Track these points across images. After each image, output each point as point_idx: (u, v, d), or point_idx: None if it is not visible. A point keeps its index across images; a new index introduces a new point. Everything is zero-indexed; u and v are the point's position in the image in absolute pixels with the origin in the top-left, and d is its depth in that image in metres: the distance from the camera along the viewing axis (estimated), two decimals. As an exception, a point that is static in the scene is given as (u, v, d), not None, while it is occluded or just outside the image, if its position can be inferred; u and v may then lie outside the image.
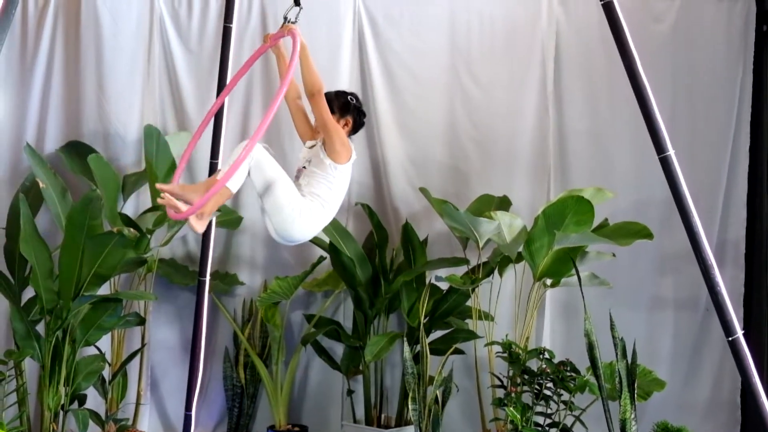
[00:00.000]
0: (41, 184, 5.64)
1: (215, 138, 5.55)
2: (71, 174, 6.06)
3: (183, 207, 3.68)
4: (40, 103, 6.30)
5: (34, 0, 6.28)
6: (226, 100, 5.44)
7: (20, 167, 6.21)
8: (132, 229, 5.33)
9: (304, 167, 4.25)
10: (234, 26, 5.61)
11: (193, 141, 4.25)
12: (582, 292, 5.35)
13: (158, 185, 3.85)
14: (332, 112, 4.21)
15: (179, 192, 3.81)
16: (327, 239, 6.04)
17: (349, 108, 4.36)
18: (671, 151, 4.59)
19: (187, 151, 4.25)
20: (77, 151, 6.11)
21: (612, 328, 5.18)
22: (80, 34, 6.29)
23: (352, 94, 4.45)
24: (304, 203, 4.09)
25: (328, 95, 4.21)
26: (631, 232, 5.73)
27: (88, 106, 6.32)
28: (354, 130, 4.44)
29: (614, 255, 5.99)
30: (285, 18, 4.25)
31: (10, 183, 6.18)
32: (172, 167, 6.02)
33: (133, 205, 6.28)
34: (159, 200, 3.77)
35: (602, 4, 4.62)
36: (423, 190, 6.21)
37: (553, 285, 5.94)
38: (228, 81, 5.40)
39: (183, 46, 6.47)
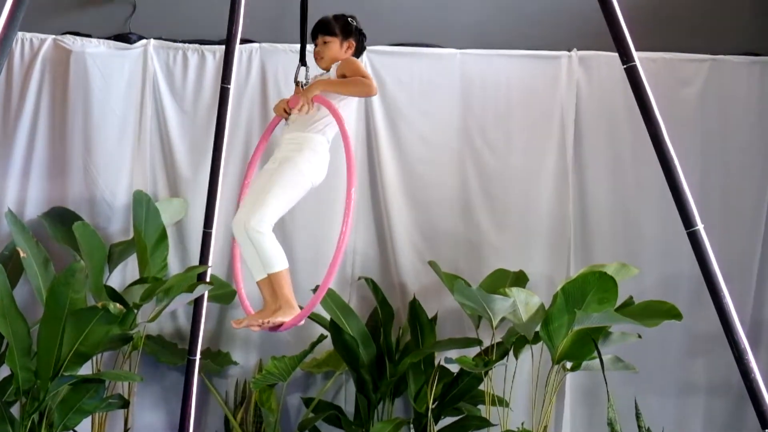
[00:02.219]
0: (21, 254, 5.63)
1: (209, 207, 5.59)
2: (54, 242, 6.06)
3: (285, 319, 4.17)
4: (23, 165, 6.33)
5: (20, 57, 6.36)
6: (222, 165, 5.57)
7: (-1, 235, 6.21)
8: (117, 304, 5.27)
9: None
10: (232, 87, 5.69)
11: None
12: (605, 377, 5.33)
13: (235, 325, 4.34)
14: (333, 35, 4.55)
15: (258, 321, 4.23)
16: (327, 316, 6.02)
17: (351, 30, 4.62)
18: (700, 225, 4.59)
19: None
20: (61, 217, 6.13)
21: (638, 416, 5.15)
22: (68, 92, 6.35)
23: (351, 16, 4.69)
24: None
25: (323, 20, 4.61)
26: (658, 311, 5.71)
27: (74, 170, 6.36)
28: (357, 53, 4.67)
29: (640, 336, 5.96)
30: (296, 82, 4.50)
31: (-12, 252, 6.17)
32: (163, 236, 6.07)
33: (120, 276, 6.29)
34: (254, 329, 4.33)
35: (624, 68, 4.65)
36: (432, 264, 6.23)
37: (573, 368, 5.90)
38: (225, 143, 5.66)
39: (177, 107, 6.53)
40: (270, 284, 4.28)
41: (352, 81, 4.40)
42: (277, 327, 4.26)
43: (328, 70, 4.61)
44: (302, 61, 4.65)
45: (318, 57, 4.63)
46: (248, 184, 4.63)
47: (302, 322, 4.42)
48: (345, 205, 4.15)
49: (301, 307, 4.37)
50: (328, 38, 4.59)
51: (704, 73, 6.69)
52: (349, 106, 4.58)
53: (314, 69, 4.71)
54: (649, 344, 6.17)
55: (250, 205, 4.26)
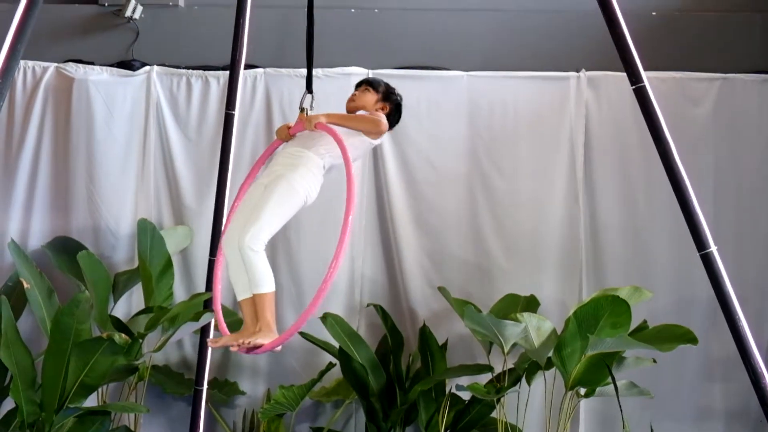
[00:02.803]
0: (25, 285, 5.67)
1: (215, 234, 5.60)
2: (58, 272, 6.11)
3: (265, 341, 4.09)
4: (26, 194, 6.41)
5: (23, 85, 6.44)
6: (227, 192, 5.59)
7: (3, 265, 6.28)
8: (123, 335, 5.34)
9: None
10: (237, 113, 5.73)
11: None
12: (619, 403, 5.32)
13: (211, 343, 4.35)
14: (375, 89, 4.69)
15: (237, 341, 4.14)
16: (336, 344, 6.01)
17: (391, 98, 4.73)
18: (713, 247, 4.59)
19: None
20: (65, 247, 6.18)
21: (654, 443, 5.12)
22: (71, 120, 6.43)
23: (399, 94, 4.79)
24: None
25: (374, 78, 4.82)
26: (673, 335, 5.65)
27: (78, 199, 6.42)
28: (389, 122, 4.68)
29: (655, 361, 5.92)
30: (301, 108, 4.51)
31: (-9, 283, 6.21)
32: (168, 264, 6.09)
33: (125, 305, 6.33)
34: (233, 348, 4.16)
35: (633, 89, 4.66)
36: (442, 290, 6.22)
37: (587, 394, 5.88)
38: (230, 169, 5.70)
39: (181, 134, 6.58)
40: (253, 305, 4.22)
41: (361, 117, 4.49)
42: (254, 349, 4.16)
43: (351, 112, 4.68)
44: (309, 89, 4.65)
45: (350, 99, 4.70)
46: (237, 206, 4.57)
47: (279, 348, 4.35)
48: (341, 231, 4.10)
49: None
50: (369, 89, 4.69)
51: (715, 92, 6.67)
52: (354, 147, 4.46)
53: (316, 97, 4.69)
54: (665, 369, 6.16)
55: (243, 222, 4.22)
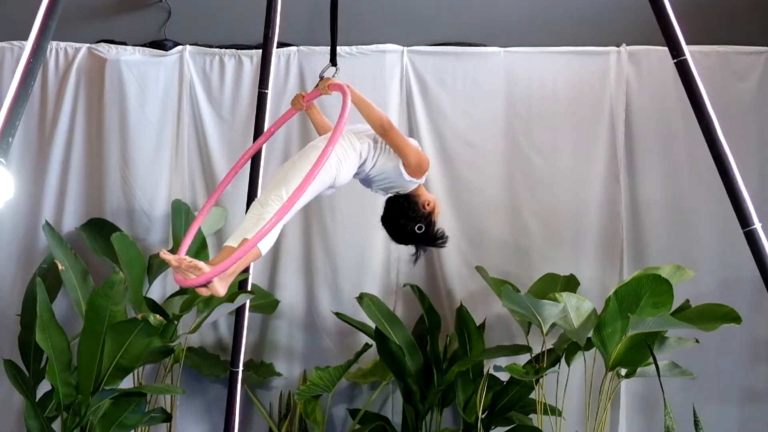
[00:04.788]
0: (60, 267, 5.77)
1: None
2: (93, 255, 6.21)
3: (206, 267, 3.58)
4: (60, 177, 6.50)
5: (55, 67, 6.53)
6: (261, 172, 5.61)
7: (37, 248, 6.40)
8: (158, 316, 5.39)
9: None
10: (270, 92, 5.76)
11: (203, 212, 4.38)
12: (661, 384, 5.34)
13: (162, 254, 3.66)
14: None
15: (189, 263, 3.64)
16: (372, 324, 6.08)
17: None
18: (758, 224, 4.58)
19: (196, 221, 4.34)
20: (99, 229, 6.26)
21: (696, 424, 5.13)
22: (104, 102, 6.51)
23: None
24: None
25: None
26: (716, 315, 5.63)
27: (112, 181, 6.51)
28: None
29: (697, 341, 5.94)
30: (321, 77, 4.42)
31: (26, 265, 6.37)
32: (203, 246, 6.14)
33: (160, 288, 6.41)
34: (173, 263, 3.61)
35: (675, 63, 4.65)
36: (479, 270, 6.26)
37: (628, 375, 5.91)
38: (264, 149, 5.57)
39: (215, 114, 6.65)
40: (229, 254, 3.69)
41: (375, 110, 4.12)
42: (190, 268, 3.61)
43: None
44: (333, 62, 4.62)
45: None
46: (241, 165, 4.48)
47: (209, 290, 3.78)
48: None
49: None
50: None
51: (761, 66, 6.64)
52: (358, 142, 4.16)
53: (344, 71, 4.65)
54: (708, 349, 6.17)
55: (277, 183, 3.95)
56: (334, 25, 4.70)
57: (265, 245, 3.82)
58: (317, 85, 4.32)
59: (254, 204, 3.93)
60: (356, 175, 4.21)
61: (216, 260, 3.76)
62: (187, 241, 4.22)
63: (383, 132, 4.12)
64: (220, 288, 3.77)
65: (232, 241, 3.78)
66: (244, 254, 3.61)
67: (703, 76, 4.67)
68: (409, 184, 4.25)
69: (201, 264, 3.57)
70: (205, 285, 3.65)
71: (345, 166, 4.06)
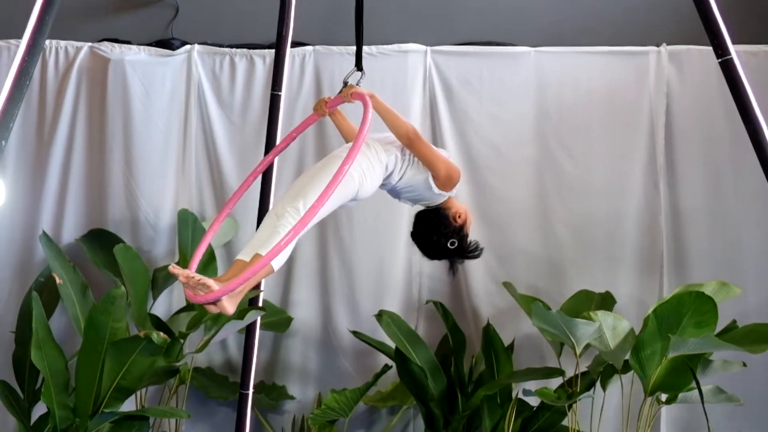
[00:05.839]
0: (58, 280, 5.67)
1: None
2: (93, 267, 6.14)
3: (215, 285, 3.58)
4: (59, 185, 6.43)
5: (54, 66, 6.46)
6: (274, 180, 5.53)
7: (34, 260, 6.31)
8: (162, 333, 5.32)
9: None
10: (283, 94, 5.69)
11: (216, 223, 4.28)
12: (705, 411, 5.26)
13: (172, 268, 3.67)
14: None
15: (198, 280, 3.62)
16: (392, 344, 5.99)
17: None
18: (809, 238, 4.48)
19: (208, 233, 4.27)
20: (100, 240, 6.19)
21: (743, 455, 5.02)
22: (106, 104, 6.43)
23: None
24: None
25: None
26: (764, 336, 5.59)
27: (114, 189, 6.44)
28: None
29: (744, 364, 5.84)
30: (345, 83, 4.34)
31: (22, 278, 6.29)
32: (211, 258, 6.06)
33: (165, 304, 6.34)
34: (182, 279, 3.59)
35: (719, 63, 4.56)
36: (507, 286, 6.17)
37: (668, 401, 5.81)
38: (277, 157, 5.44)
39: (224, 117, 6.58)
40: (242, 268, 3.75)
41: (399, 120, 4.08)
42: (198, 285, 3.59)
43: None
44: (358, 65, 4.53)
45: None
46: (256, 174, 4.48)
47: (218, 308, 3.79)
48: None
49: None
50: None
51: (811, 67, 6.54)
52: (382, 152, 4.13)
53: (370, 75, 4.48)
54: (755, 373, 6.07)
55: (294, 194, 4.05)
56: (359, 25, 4.56)
57: (278, 261, 3.79)
58: (341, 91, 4.27)
59: (269, 214, 3.90)
60: (382, 186, 4.19)
61: (227, 276, 3.78)
62: (198, 255, 4.17)
63: (409, 143, 4.09)
64: (229, 306, 3.76)
65: (244, 255, 3.77)
66: (255, 273, 3.61)
67: (749, 77, 4.60)
68: (438, 197, 4.22)
69: (210, 282, 3.56)
70: (213, 302, 3.65)
71: (369, 178, 4.05)
